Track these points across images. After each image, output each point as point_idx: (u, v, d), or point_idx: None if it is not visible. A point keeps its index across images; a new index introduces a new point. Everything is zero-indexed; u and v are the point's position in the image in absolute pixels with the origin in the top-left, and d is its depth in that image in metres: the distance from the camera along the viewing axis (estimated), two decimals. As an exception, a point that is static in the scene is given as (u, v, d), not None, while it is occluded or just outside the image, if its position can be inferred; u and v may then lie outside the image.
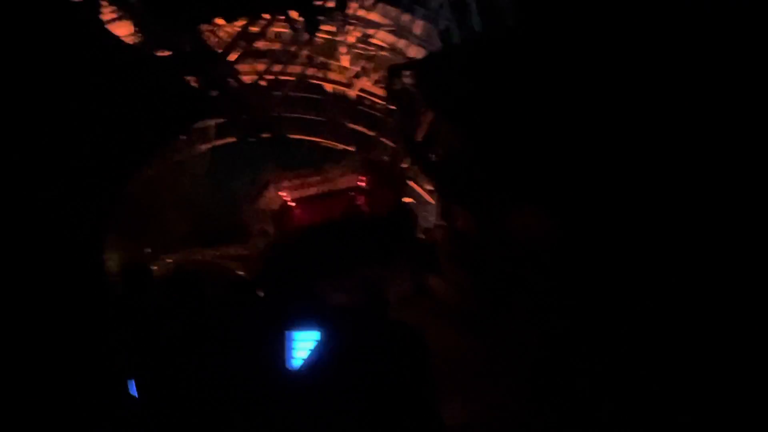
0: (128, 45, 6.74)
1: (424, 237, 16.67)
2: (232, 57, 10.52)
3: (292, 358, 4.03)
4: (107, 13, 9.05)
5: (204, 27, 11.19)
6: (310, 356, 3.96)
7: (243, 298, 7.14)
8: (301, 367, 3.95)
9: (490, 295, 7.44)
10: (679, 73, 5.14)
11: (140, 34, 6.95)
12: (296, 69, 21.15)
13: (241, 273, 14.11)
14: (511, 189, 6.11)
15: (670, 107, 5.08)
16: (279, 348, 4.05)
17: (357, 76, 22.79)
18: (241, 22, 10.40)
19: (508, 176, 6.46)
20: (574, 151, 5.45)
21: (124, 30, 9.93)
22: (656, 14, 5.49)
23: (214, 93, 9.06)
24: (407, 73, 20.38)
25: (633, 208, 4.33)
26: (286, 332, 4.17)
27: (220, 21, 11.58)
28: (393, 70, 11.82)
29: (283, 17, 11.73)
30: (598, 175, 5.00)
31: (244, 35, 11.02)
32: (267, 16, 10.36)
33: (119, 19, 10.33)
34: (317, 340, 4.03)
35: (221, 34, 19.08)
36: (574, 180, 4.94)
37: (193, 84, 8.42)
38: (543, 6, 6.52)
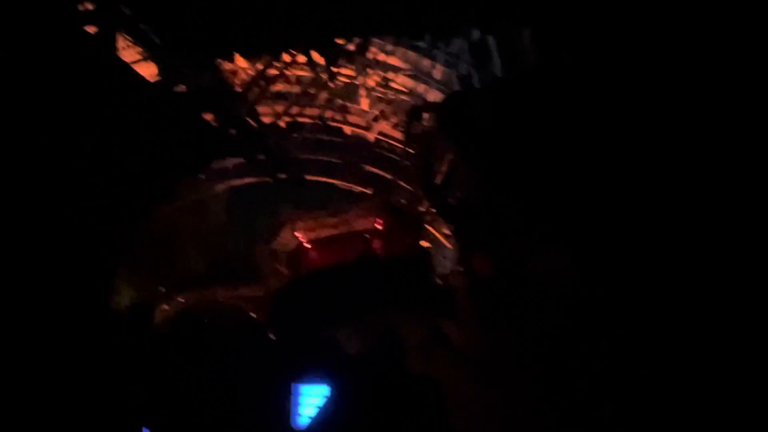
0: (149, 83, 6.76)
1: (441, 282, 16.36)
2: (252, 97, 10.61)
3: (299, 415, 3.76)
4: (132, 54, 9.22)
5: (225, 66, 11.38)
6: (317, 415, 3.67)
7: (251, 344, 6.93)
8: (308, 427, 3.67)
9: (510, 346, 7.11)
10: (703, 123, 5.03)
11: (162, 73, 6.99)
12: (315, 111, 21.48)
13: (253, 315, 13.86)
14: (533, 234, 5.87)
15: (693, 153, 4.94)
16: (285, 403, 3.78)
17: (376, 119, 23.02)
18: (261, 63, 10.53)
19: (529, 221, 6.23)
20: (597, 195, 5.23)
21: (147, 70, 10.08)
22: (679, 61, 5.38)
23: (233, 132, 9.08)
24: (426, 116, 20.54)
25: (657, 251, 4.15)
26: (293, 385, 3.92)
27: (240, 60, 11.88)
28: (412, 114, 11.81)
29: (304, 60, 11.91)
30: (622, 218, 4.80)
31: (263, 76, 11.15)
32: (287, 57, 10.52)
33: (143, 60, 10.53)
34: (326, 396, 3.76)
35: (242, 74, 19.58)
36: (598, 224, 4.72)
37: (212, 123, 8.43)
38: (565, 51, 6.42)
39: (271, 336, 12.69)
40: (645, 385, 4.45)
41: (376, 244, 17.61)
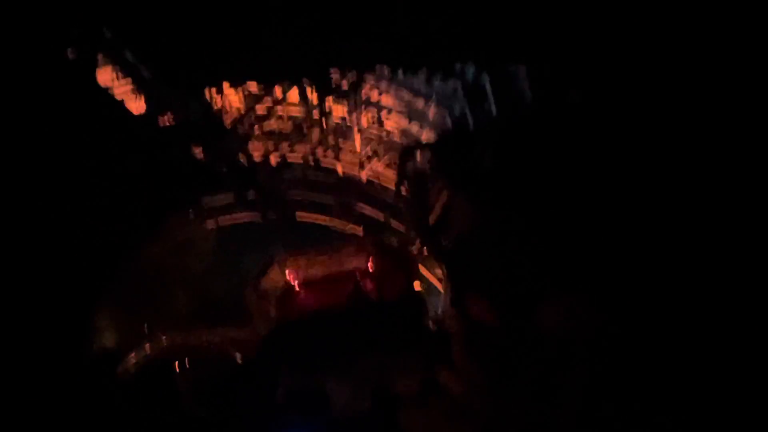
0: (137, 118, 6.57)
1: (434, 326, 15.95)
2: (243, 133, 10.43)
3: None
4: (121, 87, 9.07)
5: (215, 101, 11.25)
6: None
7: (235, 390, 6.57)
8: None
9: (510, 396, 6.76)
10: (707, 166, 4.92)
11: (150, 105, 6.80)
12: (307, 149, 21.39)
13: (239, 358, 13.36)
14: (533, 278, 5.58)
15: (688, 192, 4.82)
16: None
17: (368, 158, 22.96)
18: (252, 99, 10.39)
19: (528, 264, 5.96)
20: (600, 237, 4.99)
21: (135, 104, 9.90)
22: (676, 95, 5.30)
23: (223, 168, 8.85)
24: (419, 156, 20.52)
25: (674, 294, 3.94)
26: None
27: (231, 95, 11.75)
28: (405, 153, 11.69)
29: (296, 97, 11.83)
30: (622, 261, 4.56)
31: (254, 112, 11.02)
32: (279, 92, 10.40)
33: (133, 93, 10.37)
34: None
35: (233, 110, 19.54)
36: (599, 267, 4.47)
37: (202, 158, 8.23)
38: (560, 91, 6.30)
39: (257, 383, 12.19)
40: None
41: (368, 285, 17.24)
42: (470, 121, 14.37)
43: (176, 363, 12.58)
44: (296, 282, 15.70)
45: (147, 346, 13.34)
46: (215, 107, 9.12)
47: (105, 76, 7.76)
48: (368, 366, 13.81)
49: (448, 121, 16.70)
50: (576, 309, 4.27)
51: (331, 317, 13.95)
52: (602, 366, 4.54)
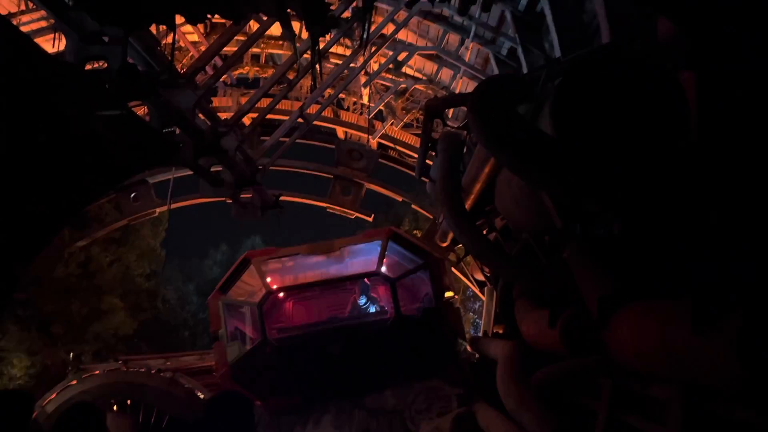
0: (53, 61, 6.52)
1: (470, 349, 16.01)
2: (202, 81, 10.37)
3: None
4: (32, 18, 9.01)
5: (165, 41, 11.17)
6: None
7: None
8: None
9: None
10: None
11: (72, 47, 6.75)
12: (295, 105, 21.43)
13: (200, 395, 13.43)
14: (614, 278, 5.53)
15: None
16: None
17: (380, 116, 22.94)
18: (216, 31, 10.30)
19: (608, 257, 5.90)
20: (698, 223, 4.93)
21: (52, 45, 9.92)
22: None
23: (174, 132, 8.82)
24: (451, 113, 20.39)
25: None
26: None
27: (187, 32, 11.51)
28: (431, 109, 11.57)
29: (278, 30, 11.65)
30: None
31: (218, 51, 10.95)
32: (255, 24, 10.23)
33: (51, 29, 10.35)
34: None
35: (189, 53, 19.55)
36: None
37: (142, 118, 8.18)
38: (650, 23, 6.17)
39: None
40: None
41: (379, 293, 17.28)
42: (522, 64, 14.28)
43: (114, 406, 12.68)
44: (280, 290, 15.77)
45: (73, 380, 13.42)
46: (165, 50, 9.05)
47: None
48: (379, 403, 13.94)
49: (492, 63, 16.62)
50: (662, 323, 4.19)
51: (328, 336, 14.01)
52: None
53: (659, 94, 5.26)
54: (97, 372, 13.42)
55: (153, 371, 13.45)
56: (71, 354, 29.00)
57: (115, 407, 12.60)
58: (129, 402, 12.77)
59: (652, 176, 4.77)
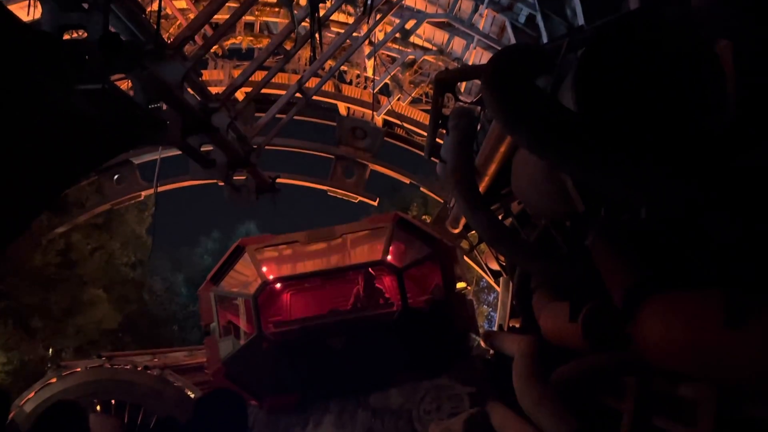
0: (28, 30, 6.51)
1: (484, 344, 16.04)
2: (191, 53, 10.33)
3: None
4: None
5: (149, 8, 11.15)
6: None
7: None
8: None
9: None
10: None
11: (49, 13, 6.73)
12: (292, 78, 21.35)
13: (190, 394, 13.50)
14: (642, 268, 5.52)
15: None
16: None
17: (386, 89, 22.87)
18: (204, 7, 10.26)
19: (633, 245, 5.88)
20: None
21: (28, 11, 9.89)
22: None
23: (160, 107, 8.80)
24: (463, 87, 20.31)
25: None
26: None
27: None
28: (441, 83, 11.54)
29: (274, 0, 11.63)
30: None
31: (208, 19, 10.90)
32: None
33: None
34: None
35: (177, 20, 19.47)
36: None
37: (125, 93, 8.17)
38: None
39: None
40: None
41: (385, 284, 17.30)
42: (542, 32, 14.22)
43: (98, 406, 12.74)
44: (277, 279, 15.80)
45: (53, 378, 13.49)
46: (150, 18, 9.01)
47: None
48: (384, 402, 13.98)
49: (509, 32, 16.55)
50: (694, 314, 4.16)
51: (329, 330, 14.04)
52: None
53: (692, 66, 5.23)
54: (79, 369, 13.45)
55: (139, 368, 13.51)
56: (51, 350, 29.18)
57: (98, 407, 12.66)
58: (113, 402, 12.84)
59: (683, 155, 4.74)
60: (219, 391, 5.76)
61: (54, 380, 13.19)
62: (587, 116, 5.23)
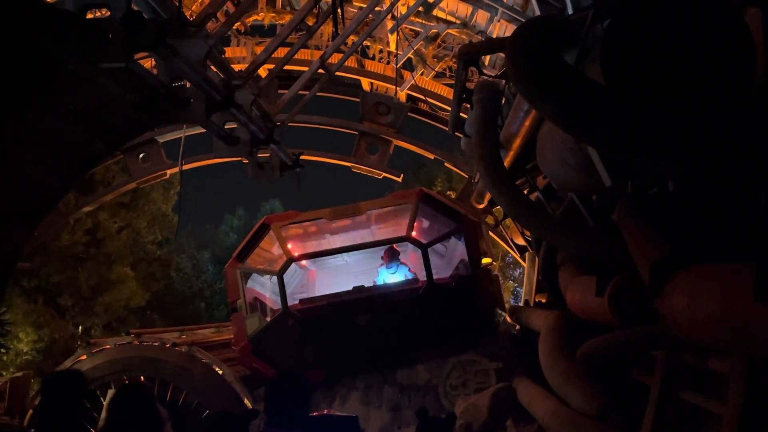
0: (53, 9, 6.54)
1: (510, 319, 16.04)
2: (214, 31, 10.33)
3: None
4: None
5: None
6: None
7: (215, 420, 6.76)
8: None
9: (624, 426, 6.75)
10: None
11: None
12: (314, 55, 21.28)
13: (219, 371, 13.62)
14: (671, 241, 5.48)
15: None
16: None
17: (409, 64, 22.73)
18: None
19: (662, 220, 5.84)
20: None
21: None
22: None
23: (183, 85, 8.80)
24: (488, 59, 20.13)
25: None
26: None
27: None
28: (466, 56, 11.46)
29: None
30: None
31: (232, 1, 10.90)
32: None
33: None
34: None
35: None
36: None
37: (149, 72, 8.18)
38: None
39: (247, 408, 12.49)
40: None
41: (410, 260, 17.32)
42: (568, 3, 14.03)
43: (127, 383, 12.88)
44: (302, 256, 15.87)
45: (83, 355, 13.66)
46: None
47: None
48: (410, 378, 14.08)
49: (533, 4, 16.35)
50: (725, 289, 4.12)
51: (354, 307, 14.09)
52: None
53: (721, 35, 5.14)
54: (108, 346, 13.60)
55: (168, 345, 13.63)
56: (80, 327, 29.60)
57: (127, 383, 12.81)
58: (142, 378, 12.98)
59: (713, 127, 4.68)
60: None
61: (84, 357, 13.36)
62: (614, 88, 5.16)
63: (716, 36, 5.12)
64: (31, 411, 13.29)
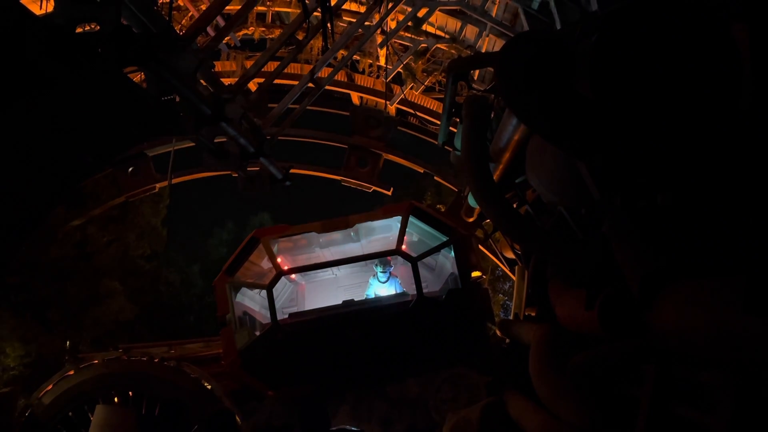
0: (43, 22, 6.53)
1: (500, 333, 16.02)
2: (203, 44, 10.35)
3: None
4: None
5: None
6: None
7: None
8: None
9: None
10: None
11: (63, 5, 6.76)
12: (304, 68, 21.33)
13: (207, 385, 13.56)
14: (661, 252, 5.49)
15: None
16: None
17: (399, 78, 22.79)
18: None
19: (654, 230, 5.86)
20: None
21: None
22: None
23: (170, 99, 8.81)
24: (477, 74, 20.21)
25: None
26: None
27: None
28: (455, 70, 11.50)
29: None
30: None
31: (220, 11, 10.90)
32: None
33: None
34: None
35: (189, 12, 19.48)
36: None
37: (137, 85, 8.20)
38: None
39: (237, 421, 12.44)
40: None
41: (400, 274, 17.31)
42: (556, 19, 14.12)
43: (116, 398, 12.81)
44: (292, 269, 15.83)
45: (71, 370, 13.55)
46: (162, 10, 9.03)
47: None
48: (401, 392, 14.03)
49: (522, 19, 16.46)
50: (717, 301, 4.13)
51: (344, 320, 14.06)
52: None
53: (708, 50, 5.17)
54: (96, 361, 13.49)
55: (156, 360, 13.54)
56: (68, 342, 29.36)
57: (116, 399, 12.73)
58: (131, 394, 12.89)
59: (700, 142, 4.71)
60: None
61: (72, 372, 13.23)
62: (602, 103, 5.19)
63: (704, 50, 5.15)
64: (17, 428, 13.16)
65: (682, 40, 5.15)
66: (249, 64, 20.69)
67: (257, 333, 14.95)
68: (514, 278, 20.33)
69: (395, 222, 15.47)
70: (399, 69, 21.56)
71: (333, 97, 24.16)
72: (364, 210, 16.21)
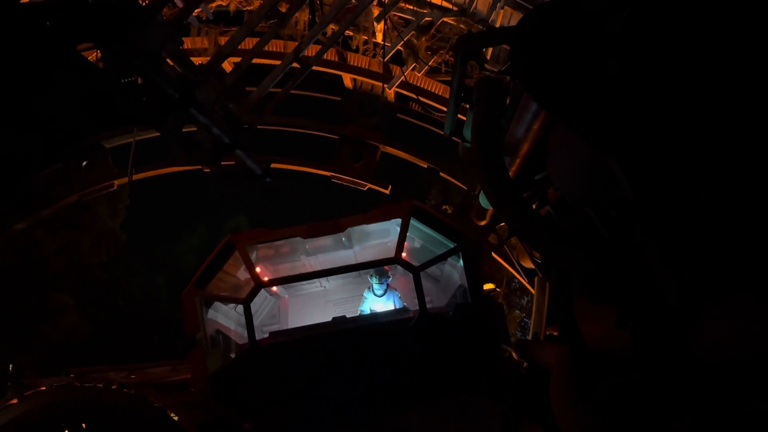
0: None
1: (516, 355, 16.05)
2: (170, 19, 10.34)
3: None
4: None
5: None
6: None
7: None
8: None
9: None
10: None
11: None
12: (288, 46, 21.33)
13: (173, 416, 13.57)
14: (699, 265, 5.50)
15: None
16: None
17: (400, 60, 22.82)
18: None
19: (689, 240, 5.87)
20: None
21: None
22: None
23: (134, 81, 8.82)
24: (490, 52, 20.23)
25: None
26: None
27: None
28: (464, 48, 11.52)
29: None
30: None
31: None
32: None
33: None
34: None
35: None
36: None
37: (96, 66, 8.19)
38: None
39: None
40: None
41: (399, 286, 17.32)
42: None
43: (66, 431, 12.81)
44: (273, 281, 15.83)
45: (14, 398, 13.55)
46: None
47: None
48: (400, 424, 14.02)
49: (542, -11, 16.48)
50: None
51: (334, 340, 14.08)
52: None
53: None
54: (44, 388, 13.49)
55: (114, 387, 13.53)
56: (11, 365, 29.27)
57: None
58: (84, 426, 12.89)
59: (748, 131, 4.70)
60: None
61: (15, 401, 13.23)
62: (635, 86, 5.19)
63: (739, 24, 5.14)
64: None
65: (722, 16, 5.14)
66: (223, 40, 20.71)
67: (232, 355, 14.95)
68: (533, 291, 20.36)
69: (394, 225, 15.46)
70: (399, 47, 21.53)
71: (322, 80, 24.12)
72: (357, 211, 16.20)
